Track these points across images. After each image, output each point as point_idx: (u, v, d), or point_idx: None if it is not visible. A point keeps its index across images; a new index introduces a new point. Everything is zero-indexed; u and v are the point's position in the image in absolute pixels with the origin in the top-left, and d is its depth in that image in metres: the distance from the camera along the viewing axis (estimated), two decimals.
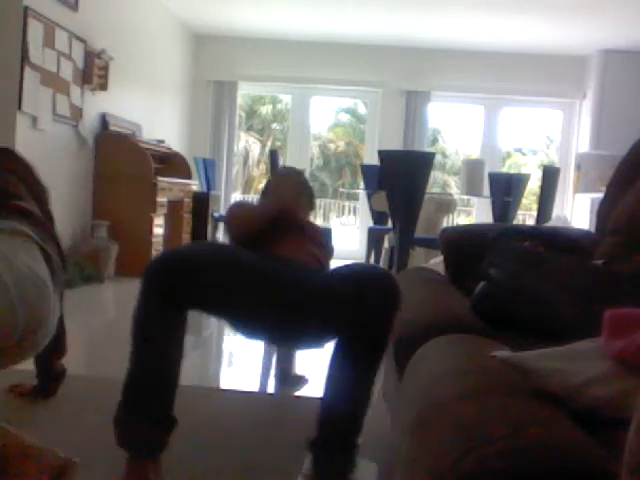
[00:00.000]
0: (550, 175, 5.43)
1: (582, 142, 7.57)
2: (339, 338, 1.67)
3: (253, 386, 2.71)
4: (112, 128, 5.54)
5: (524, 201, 6.92)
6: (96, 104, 5.38)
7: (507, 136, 8.58)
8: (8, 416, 2.05)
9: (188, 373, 2.78)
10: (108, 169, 5.36)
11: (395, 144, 7.47)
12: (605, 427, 0.87)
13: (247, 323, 1.82)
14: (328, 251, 2.22)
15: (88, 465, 1.77)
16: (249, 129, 17.54)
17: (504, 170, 8.73)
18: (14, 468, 1.51)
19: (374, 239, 6.34)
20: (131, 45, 6.06)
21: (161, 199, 5.43)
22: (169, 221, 5.83)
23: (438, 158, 9.62)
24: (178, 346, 1.63)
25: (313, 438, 1.66)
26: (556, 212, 6.66)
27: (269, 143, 17.40)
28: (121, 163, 5.34)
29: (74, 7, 4.91)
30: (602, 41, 6.94)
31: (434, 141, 11.41)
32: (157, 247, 5.45)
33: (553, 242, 1.81)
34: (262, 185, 2.50)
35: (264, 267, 1.73)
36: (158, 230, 5.46)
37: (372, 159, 7.12)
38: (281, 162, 6.61)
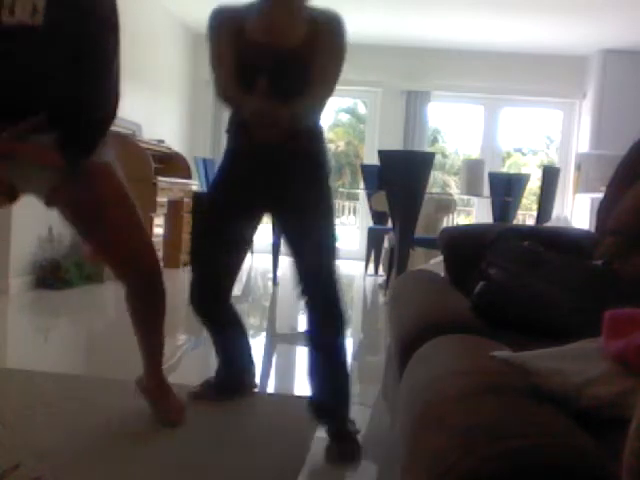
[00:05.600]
0: (550, 175, 5.43)
1: (582, 142, 7.57)
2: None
3: None
4: (112, 128, 5.53)
5: (524, 201, 6.92)
6: None
7: (507, 136, 8.56)
8: (4, 417, 2.05)
9: (188, 373, 2.79)
10: None
11: (395, 144, 7.46)
12: (605, 427, 0.87)
13: None
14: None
15: (87, 465, 1.77)
16: None
17: (504, 170, 8.72)
18: None
19: (374, 239, 6.34)
20: (131, 45, 6.04)
21: (161, 199, 5.43)
22: (169, 221, 5.83)
23: (438, 158, 9.63)
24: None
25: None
26: (556, 212, 6.65)
27: None
28: (121, 163, 5.34)
29: None
30: (602, 41, 6.94)
31: (434, 141, 11.40)
32: (157, 247, 5.45)
33: (553, 242, 1.81)
34: None
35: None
36: (158, 230, 5.45)
37: (372, 159, 7.12)
38: None
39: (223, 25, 2.08)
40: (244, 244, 2.28)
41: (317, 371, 2.06)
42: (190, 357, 3.19)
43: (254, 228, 2.25)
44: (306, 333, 2.08)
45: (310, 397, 2.08)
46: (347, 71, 2.07)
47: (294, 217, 2.07)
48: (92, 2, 1.76)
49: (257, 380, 2.54)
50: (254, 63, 1.99)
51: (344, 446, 1.96)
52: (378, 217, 6.25)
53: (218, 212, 2.15)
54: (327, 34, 1.98)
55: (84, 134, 1.81)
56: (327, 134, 17.67)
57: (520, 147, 12.22)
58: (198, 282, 2.21)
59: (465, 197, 6.87)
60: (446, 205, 5.68)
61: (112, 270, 2.08)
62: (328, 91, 2.00)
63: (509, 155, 11.47)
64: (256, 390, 2.52)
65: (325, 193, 2.07)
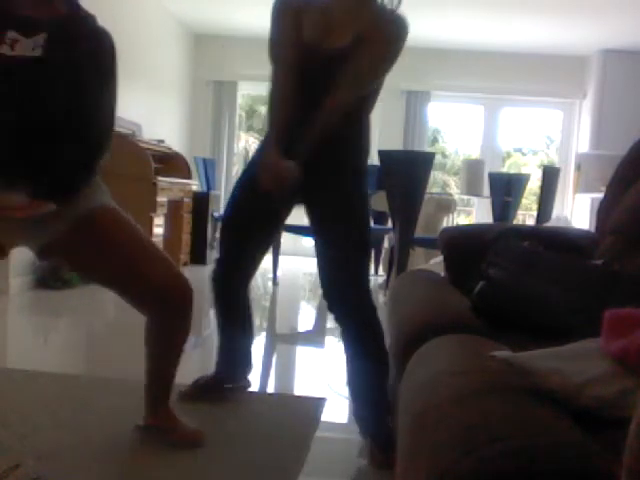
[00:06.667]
0: (550, 175, 5.43)
1: (582, 142, 7.57)
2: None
3: (253, 386, 2.71)
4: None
5: (524, 201, 6.91)
6: None
7: (507, 136, 8.56)
8: (4, 417, 2.05)
9: (189, 373, 2.78)
10: (108, 169, 5.33)
11: (395, 144, 7.46)
12: (605, 427, 0.87)
13: None
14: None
15: (87, 465, 1.77)
16: (249, 129, 17.54)
17: (504, 170, 8.71)
18: None
19: (374, 239, 6.33)
20: (131, 45, 6.05)
21: (161, 199, 5.42)
22: (169, 221, 5.83)
23: (438, 158, 9.62)
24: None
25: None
26: (556, 212, 6.65)
27: None
28: (121, 163, 5.33)
29: None
30: (602, 41, 6.93)
31: (434, 141, 11.39)
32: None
33: (553, 242, 1.81)
34: None
35: None
36: (158, 230, 5.45)
37: (372, 159, 7.11)
38: None
39: (287, 11, 1.97)
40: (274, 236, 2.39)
41: (351, 381, 2.07)
42: (190, 357, 3.19)
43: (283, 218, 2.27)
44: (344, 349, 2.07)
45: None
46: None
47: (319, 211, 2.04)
48: (92, 46, 1.73)
49: (253, 381, 2.52)
50: (303, 64, 1.93)
51: (376, 452, 1.94)
52: (378, 217, 6.25)
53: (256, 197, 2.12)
54: (375, 32, 1.87)
55: (70, 171, 1.73)
56: None
57: (520, 147, 12.21)
58: (230, 260, 2.20)
59: (465, 197, 6.87)
60: (446, 205, 5.68)
61: (132, 304, 1.82)
62: (354, 90, 1.89)
63: (509, 155, 11.46)
64: (249, 390, 2.51)
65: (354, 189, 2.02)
